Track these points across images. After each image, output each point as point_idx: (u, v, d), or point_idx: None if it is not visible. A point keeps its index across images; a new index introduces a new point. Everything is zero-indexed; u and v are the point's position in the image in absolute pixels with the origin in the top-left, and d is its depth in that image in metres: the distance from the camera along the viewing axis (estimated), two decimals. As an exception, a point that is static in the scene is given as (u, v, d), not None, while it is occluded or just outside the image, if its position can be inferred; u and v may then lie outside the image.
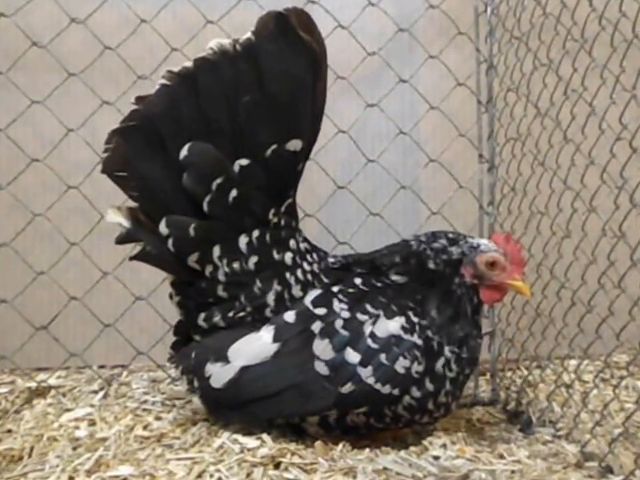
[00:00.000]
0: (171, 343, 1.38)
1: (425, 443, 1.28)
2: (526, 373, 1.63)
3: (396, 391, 1.23)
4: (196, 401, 1.27)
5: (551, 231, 1.53)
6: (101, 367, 1.75)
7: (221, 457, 1.19)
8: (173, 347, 1.38)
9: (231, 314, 1.28)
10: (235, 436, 1.26)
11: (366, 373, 1.22)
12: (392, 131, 1.82)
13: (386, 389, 1.22)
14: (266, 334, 1.25)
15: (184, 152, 1.24)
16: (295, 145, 1.27)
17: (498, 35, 1.78)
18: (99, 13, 1.68)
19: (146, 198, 1.27)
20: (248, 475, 1.13)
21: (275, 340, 1.24)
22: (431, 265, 1.33)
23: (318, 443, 1.24)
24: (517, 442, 1.38)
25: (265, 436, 1.26)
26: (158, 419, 1.41)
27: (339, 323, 1.25)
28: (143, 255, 1.29)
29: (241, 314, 1.28)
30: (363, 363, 1.23)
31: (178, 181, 1.25)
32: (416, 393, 1.24)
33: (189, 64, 1.23)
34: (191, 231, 1.26)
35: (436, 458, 1.22)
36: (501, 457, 1.27)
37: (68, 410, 1.47)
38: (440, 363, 1.27)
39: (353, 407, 1.25)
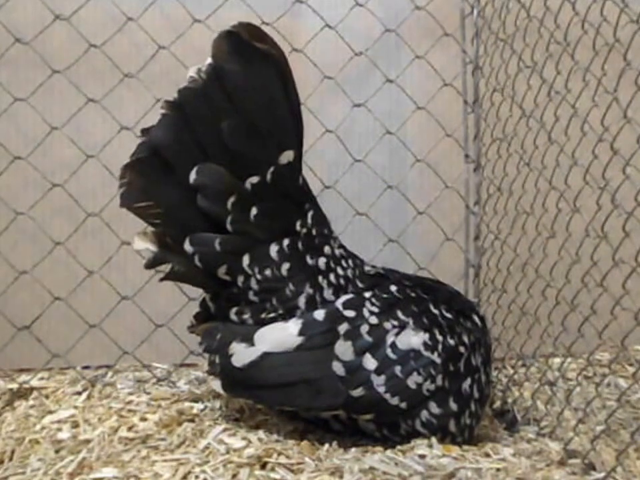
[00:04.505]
0: (195, 314, 1.37)
1: (411, 442, 1.28)
2: (512, 371, 1.64)
3: (403, 405, 1.25)
4: (211, 379, 1.30)
5: (536, 231, 1.54)
6: (85, 367, 1.73)
7: (207, 457, 1.18)
8: (196, 317, 1.37)
9: (262, 315, 1.30)
10: (221, 436, 1.26)
11: (378, 381, 1.24)
12: (379, 130, 1.82)
13: (394, 400, 1.24)
14: (293, 326, 1.27)
15: (193, 175, 1.26)
16: (287, 156, 1.29)
17: (484, 37, 1.79)
18: (84, 10, 1.65)
19: (167, 224, 1.29)
20: (234, 475, 1.12)
21: (300, 334, 1.26)
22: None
23: (304, 443, 1.24)
24: (502, 440, 1.39)
25: (251, 436, 1.25)
26: (143, 419, 1.40)
27: (364, 328, 1.27)
28: (172, 275, 1.32)
29: (272, 315, 1.30)
30: (378, 371, 1.25)
31: (195, 203, 1.27)
32: (435, 409, 1.26)
33: (176, 94, 1.26)
34: (217, 246, 1.28)
35: (422, 457, 1.21)
36: (487, 455, 1.27)
37: (50, 412, 1.45)
38: (467, 383, 1.30)
39: (360, 412, 1.26)
